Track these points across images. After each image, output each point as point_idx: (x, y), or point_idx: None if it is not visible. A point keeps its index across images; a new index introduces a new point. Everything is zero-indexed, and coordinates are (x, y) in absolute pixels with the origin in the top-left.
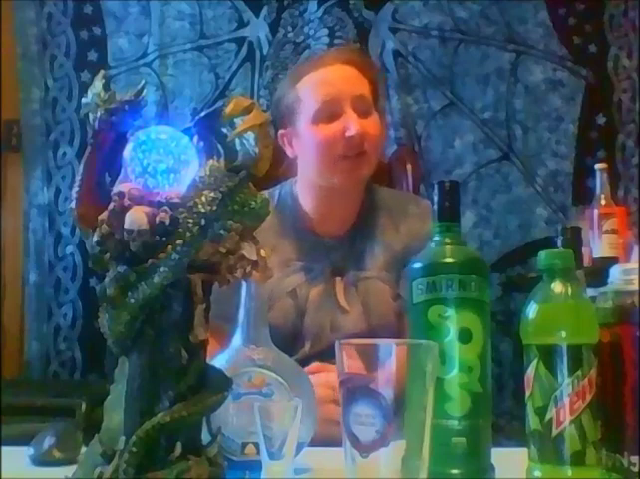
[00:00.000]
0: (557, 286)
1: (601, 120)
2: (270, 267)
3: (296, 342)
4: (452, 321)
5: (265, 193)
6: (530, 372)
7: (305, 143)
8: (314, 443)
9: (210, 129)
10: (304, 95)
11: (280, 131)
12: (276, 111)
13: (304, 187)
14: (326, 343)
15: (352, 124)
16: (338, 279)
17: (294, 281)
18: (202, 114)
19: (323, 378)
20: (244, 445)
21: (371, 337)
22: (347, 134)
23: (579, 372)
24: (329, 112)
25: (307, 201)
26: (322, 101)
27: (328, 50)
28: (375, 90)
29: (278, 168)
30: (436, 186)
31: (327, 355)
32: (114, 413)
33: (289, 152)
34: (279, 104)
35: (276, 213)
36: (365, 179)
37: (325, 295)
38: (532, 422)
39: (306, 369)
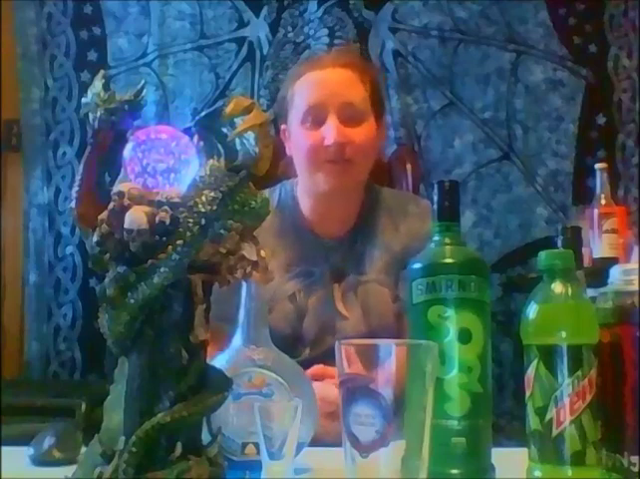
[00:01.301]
0: (557, 286)
1: (601, 120)
2: (271, 270)
3: (296, 346)
4: (452, 321)
5: (265, 192)
6: (530, 372)
7: (295, 144)
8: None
9: (210, 129)
10: (297, 94)
11: (282, 126)
12: (279, 107)
13: (303, 188)
14: (326, 347)
15: (330, 133)
16: (336, 285)
17: (294, 285)
18: (202, 114)
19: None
20: (244, 445)
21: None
22: (325, 143)
23: (579, 372)
24: (314, 117)
25: (306, 202)
26: (308, 105)
27: (329, 51)
28: (375, 94)
29: (277, 166)
30: (436, 186)
31: (327, 359)
32: (114, 413)
33: (287, 149)
34: (282, 100)
35: (277, 213)
36: (355, 185)
37: (324, 300)
38: (532, 422)
39: (308, 372)
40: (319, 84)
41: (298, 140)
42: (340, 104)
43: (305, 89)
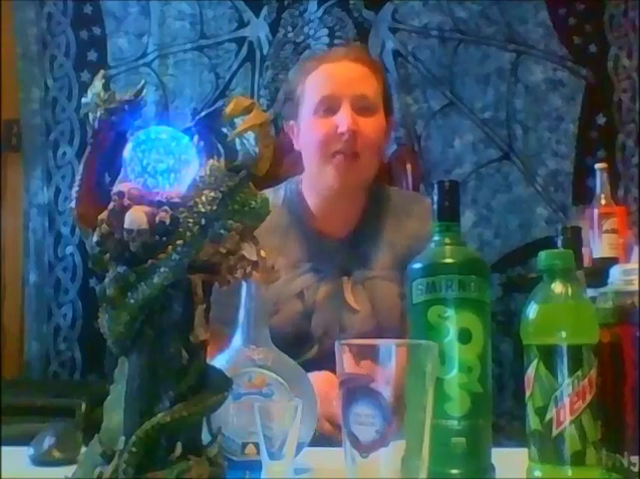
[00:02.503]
0: (557, 286)
1: (601, 120)
2: (277, 269)
3: (305, 343)
4: (452, 321)
5: (270, 191)
6: (530, 372)
7: (305, 136)
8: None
9: (210, 129)
10: (309, 87)
11: (290, 122)
12: (286, 104)
13: (309, 187)
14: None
15: (344, 120)
16: (345, 279)
17: (302, 283)
18: (202, 114)
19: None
20: (244, 445)
21: (379, 336)
22: (339, 130)
23: (579, 372)
24: (327, 107)
25: (312, 200)
26: (322, 94)
27: (340, 46)
28: (385, 91)
29: (279, 166)
30: (436, 186)
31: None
32: (114, 413)
33: (295, 145)
34: (290, 96)
35: (283, 211)
36: (362, 183)
37: (333, 295)
38: (532, 422)
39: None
40: (333, 75)
41: (310, 130)
42: (354, 95)
43: (319, 80)
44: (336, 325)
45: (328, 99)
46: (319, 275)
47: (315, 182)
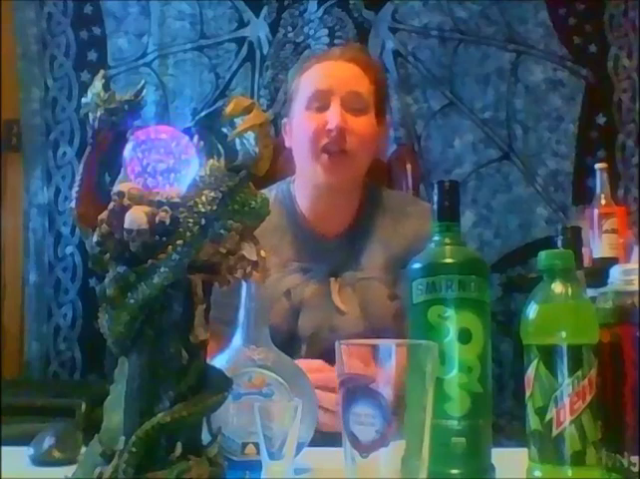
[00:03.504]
0: (557, 286)
1: (601, 120)
2: (267, 267)
3: (293, 344)
4: (452, 321)
5: (263, 192)
6: (530, 372)
7: (296, 131)
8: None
9: (210, 129)
10: (303, 83)
11: (284, 119)
12: (285, 102)
13: (300, 186)
14: (324, 345)
15: (333, 117)
16: (332, 279)
17: (290, 282)
18: (202, 114)
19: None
20: (244, 445)
21: (369, 338)
22: (327, 127)
23: (579, 372)
24: (318, 102)
25: (303, 200)
26: (316, 88)
27: (336, 46)
28: (379, 91)
29: (277, 162)
30: (436, 186)
31: (324, 357)
32: (114, 413)
33: (287, 142)
34: (288, 94)
35: (274, 212)
36: (353, 179)
37: (320, 296)
38: (532, 422)
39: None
40: (327, 72)
41: (301, 125)
42: (346, 92)
43: (312, 76)
44: (325, 326)
45: (320, 92)
46: (307, 275)
47: (305, 179)
